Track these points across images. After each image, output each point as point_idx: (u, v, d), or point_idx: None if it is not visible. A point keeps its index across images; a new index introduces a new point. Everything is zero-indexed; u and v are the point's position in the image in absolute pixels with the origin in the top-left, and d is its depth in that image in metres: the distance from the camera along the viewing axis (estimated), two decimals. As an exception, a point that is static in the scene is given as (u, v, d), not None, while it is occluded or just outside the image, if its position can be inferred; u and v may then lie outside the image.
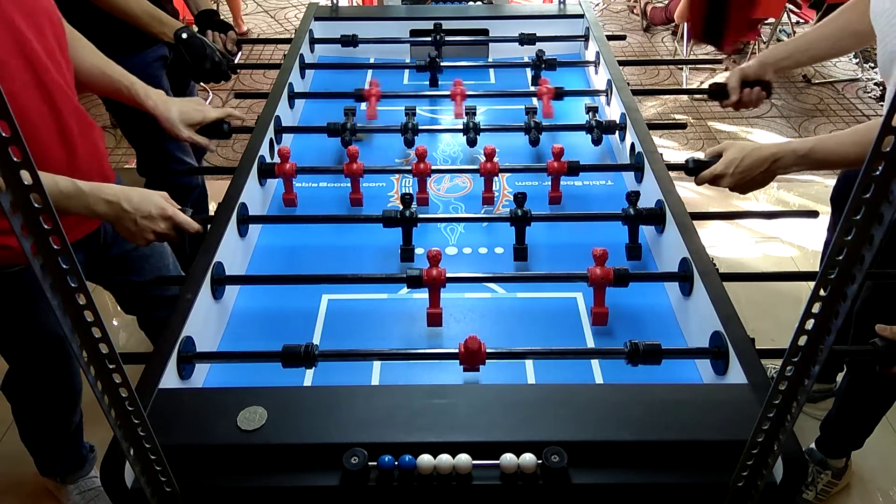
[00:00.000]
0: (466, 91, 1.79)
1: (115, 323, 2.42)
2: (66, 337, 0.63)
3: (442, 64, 1.93)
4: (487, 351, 1.04)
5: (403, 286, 1.31)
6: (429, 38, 2.04)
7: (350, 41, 2.02)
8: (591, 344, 1.19)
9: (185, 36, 1.69)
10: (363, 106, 1.87)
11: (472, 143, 1.62)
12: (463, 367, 1.05)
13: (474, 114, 1.67)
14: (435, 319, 1.19)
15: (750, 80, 1.62)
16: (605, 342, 1.19)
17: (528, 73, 2.06)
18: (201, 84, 2.29)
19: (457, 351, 1.05)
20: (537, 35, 2.05)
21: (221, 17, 1.98)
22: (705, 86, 1.69)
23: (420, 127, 1.65)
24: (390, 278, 1.30)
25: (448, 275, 1.18)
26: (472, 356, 1.04)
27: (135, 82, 1.46)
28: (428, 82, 1.95)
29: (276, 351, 1.05)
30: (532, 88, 1.95)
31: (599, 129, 1.64)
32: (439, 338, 1.20)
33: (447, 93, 1.86)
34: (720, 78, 1.67)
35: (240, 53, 1.98)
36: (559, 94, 1.79)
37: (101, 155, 1.38)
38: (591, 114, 1.67)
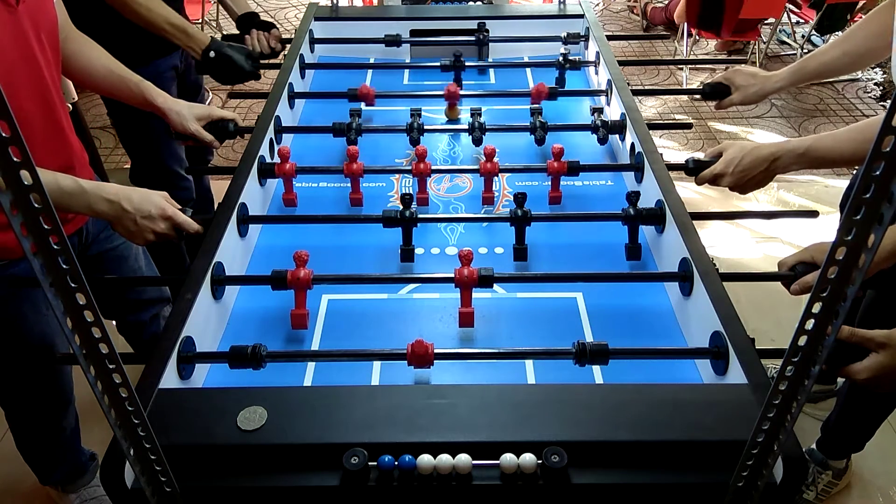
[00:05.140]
0: (460, 92, 1.79)
1: (113, 323, 2.41)
2: (55, 336, 0.63)
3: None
4: (436, 352, 1.06)
5: (403, 286, 1.31)
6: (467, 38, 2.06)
7: (394, 41, 2.03)
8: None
9: (212, 55, 1.72)
10: (365, 104, 1.87)
11: (477, 142, 1.63)
12: (413, 366, 1.08)
13: (479, 114, 1.68)
14: (467, 319, 1.20)
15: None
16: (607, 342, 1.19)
17: (529, 73, 2.06)
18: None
19: (404, 351, 1.06)
20: (537, 36, 2.06)
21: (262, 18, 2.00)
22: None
23: (426, 127, 1.65)
24: (390, 278, 1.30)
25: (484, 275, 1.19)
26: (419, 359, 1.05)
27: (143, 81, 1.47)
28: (439, 82, 1.95)
29: (224, 351, 1.07)
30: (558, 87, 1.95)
31: (605, 129, 1.64)
32: (439, 338, 1.20)
33: (438, 92, 1.86)
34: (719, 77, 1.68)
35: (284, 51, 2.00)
36: (553, 93, 1.78)
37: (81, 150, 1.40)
38: (596, 114, 1.67)
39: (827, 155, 1.29)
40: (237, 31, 1.99)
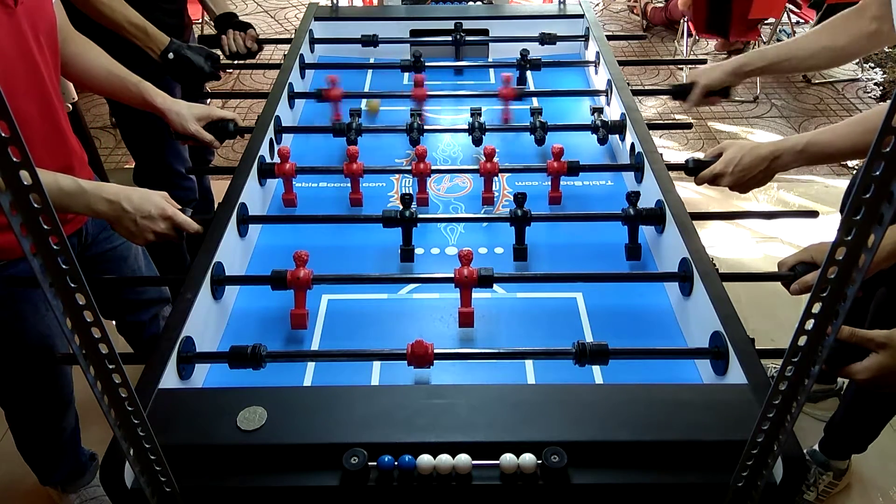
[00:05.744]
0: (515, 92, 1.78)
1: (113, 323, 2.42)
2: (55, 336, 0.63)
3: (429, 64, 1.93)
4: (436, 352, 1.06)
5: (403, 286, 1.31)
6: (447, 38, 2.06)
7: (371, 41, 2.03)
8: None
9: (171, 56, 1.71)
10: (363, 104, 1.87)
11: (477, 142, 1.62)
12: (413, 366, 1.08)
13: (479, 114, 1.68)
14: (467, 319, 1.20)
15: (714, 90, 1.67)
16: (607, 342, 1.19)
17: (529, 75, 2.06)
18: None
19: (404, 351, 1.06)
20: (537, 36, 2.06)
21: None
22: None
23: (426, 127, 1.65)
24: (390, 278, 1.30)
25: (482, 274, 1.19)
26: (419, 359, 1.05)
27: (143, 81, 1.47)
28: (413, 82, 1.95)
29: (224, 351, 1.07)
30: (523, 88, 1.96)
31: (605, 129, 1.64)
32: (439, 338, 1.20)
33: (446, 93, 1.86)
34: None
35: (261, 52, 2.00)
36: (520, 95, 1.79)
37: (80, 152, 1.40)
38: (596, 114, 1.67)
39: (825, 150, 1.29)
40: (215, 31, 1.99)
